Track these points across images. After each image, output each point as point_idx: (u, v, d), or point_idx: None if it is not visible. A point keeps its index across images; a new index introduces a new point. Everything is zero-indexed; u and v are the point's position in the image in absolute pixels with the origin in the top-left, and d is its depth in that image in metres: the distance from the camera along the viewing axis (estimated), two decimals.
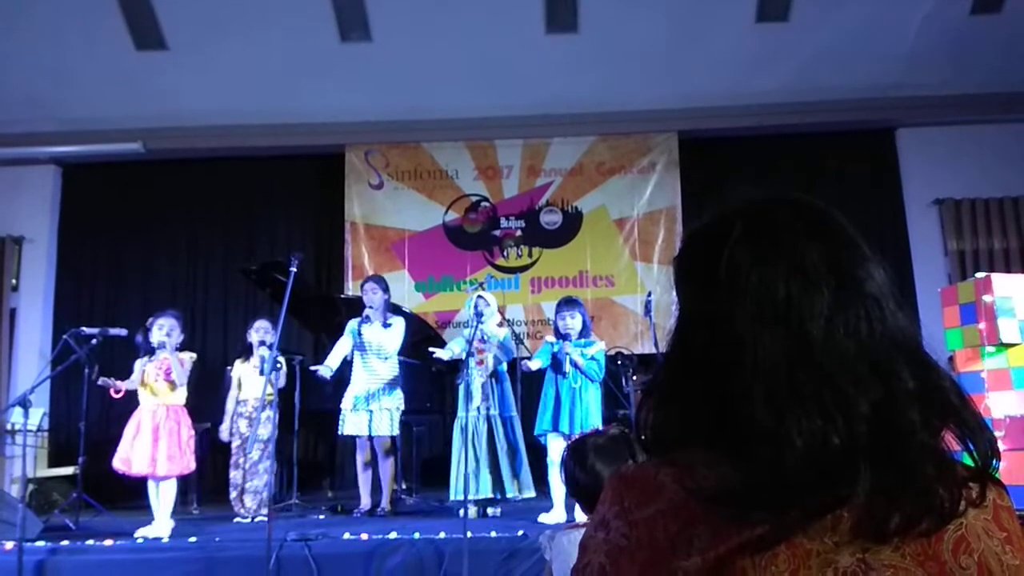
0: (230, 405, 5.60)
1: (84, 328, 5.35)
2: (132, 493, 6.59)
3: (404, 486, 6.22)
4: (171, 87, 7.31)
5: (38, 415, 6.92)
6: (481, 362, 5.24)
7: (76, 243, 8.01)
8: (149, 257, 7.98)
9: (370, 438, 5.41)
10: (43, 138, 7.70)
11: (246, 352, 5.71)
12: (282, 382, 5.50)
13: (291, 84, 7.31)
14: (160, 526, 4.74)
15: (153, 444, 4.79)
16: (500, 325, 5.40)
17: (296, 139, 7.76)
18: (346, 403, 5.45)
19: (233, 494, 5.48)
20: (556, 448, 4.88)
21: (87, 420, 5.57)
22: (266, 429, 5.23)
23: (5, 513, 4.57)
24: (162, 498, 4.82)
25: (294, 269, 4.56)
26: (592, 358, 4.94)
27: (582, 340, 4.98)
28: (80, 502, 5.29)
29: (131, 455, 4.79)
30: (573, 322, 4.98)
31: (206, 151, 7.86)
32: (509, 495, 5.10)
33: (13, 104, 7.37)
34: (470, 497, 5.03)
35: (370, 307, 5.55)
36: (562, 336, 5.00)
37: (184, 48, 7.09)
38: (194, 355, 5.18)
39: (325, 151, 7.94)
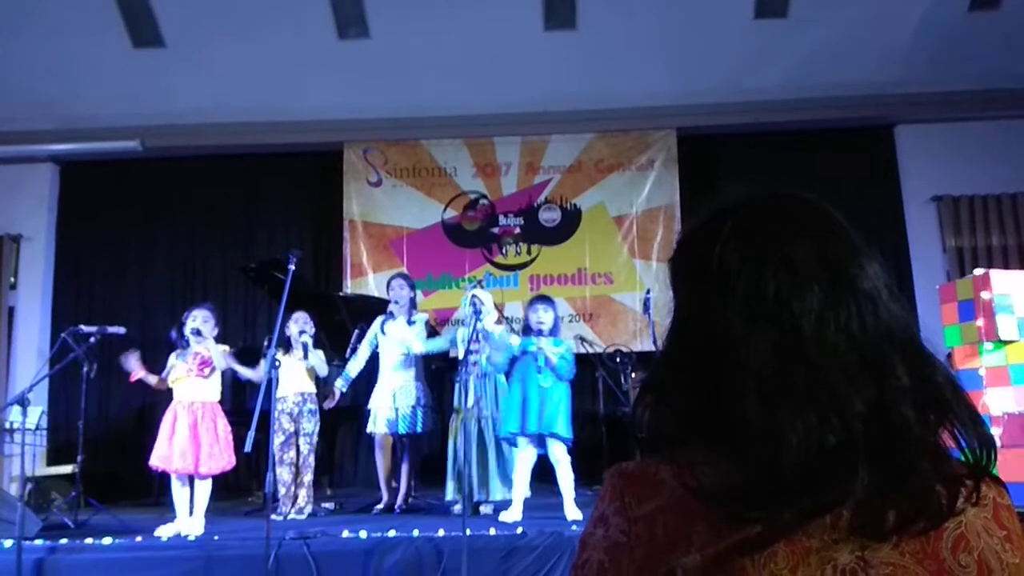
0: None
1: (82, 326, 5.34)
2: (132, 491, 6.62)
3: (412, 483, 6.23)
4: (169, 85, 7.30)
5: (37, 413, 6.90)
6: (475, 363, 5.22)
7: (74, 241, 8.00)
8: (147, 255, 7.97)
9: (397, 435, 5.42)
10: (41, 136, 7.69)
11: (285, 345, 5.51)
12: (324, 370, 5.46)
13: (289, 81, 7.30)
14: (194, 523, 4.69)
15: (193, 442, 4.70)
16: (497, 322, 5.39)
17: (294, 136, 7.74)
18: (374, 401, 5.45)
19: (282, 491, 5.30)
20: (528, 451, 4.86)
21: (86, 418, 5.57)
22: (310, 423, 5.31)
23: (4, 511, 4.57)
24: (198, 496, 4.76)
25: (292, 267, 4.55)
26: (562, 356, 4.88)
27: (551, 339, 4.92)
28: (79, 500, 5.29)
29: (169, 453, 4.70)
30: (546, 316, 4.91)
31: (204, 149, 7.84)
32: (496, 497, 5.08)
33: (11, 102, 7.35)
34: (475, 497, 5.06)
35: (395, 303, 5.56)
36: (532, 332, 4.93)
37: (182, 45, 7.08)
38: (228, 347, 5.07)
39: (323, 148, 7.93)
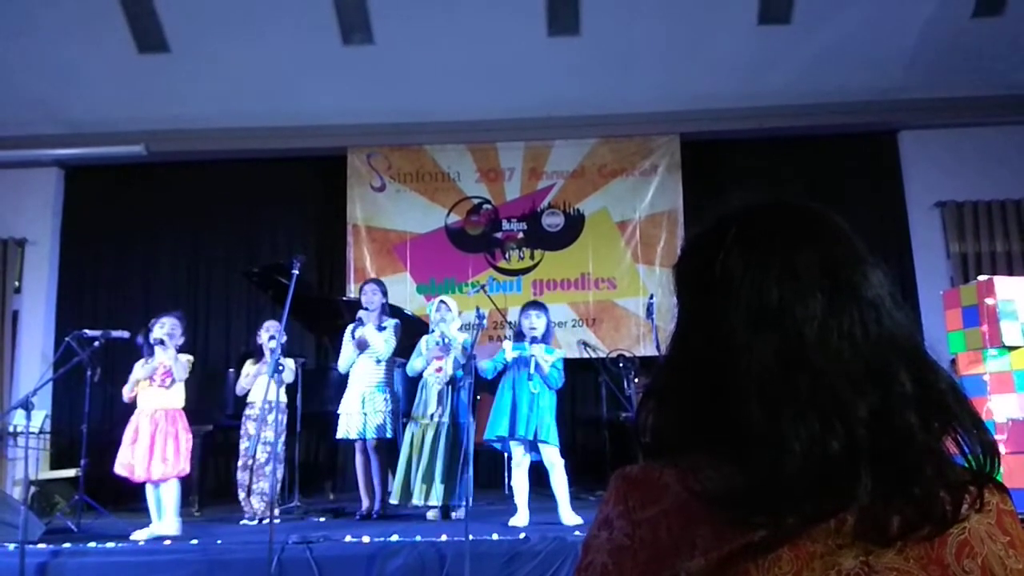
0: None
1: (86, 330, 5.37)
2: (134, 496, 6.61)
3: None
4: (173, 90, 7.32)
5: (40, 417, 6.92)
6: (440, 368, 5.23)
7: (78, 245, 8.02)
8: (151, 259, 8.00)
9: (363, 440, 5.42)
10: (46, 140, 7.72)
11: (256, 354, 5.67)
12: (290, 378, 5.47)
13: (293, 86, 7.32)
14: (167, 525, 4.75)
15: (150, 449, 4.77)
16: (460, 330, 5.39)
17: (298, 141, 7.76)
18: (342, 406, 5.47)
19: (241, 495, 5.48)
20: (520, 454, 4.85)
21: (89, 422, 5.57)
22: (272, 431, 5.29)
23: (7, 515, 4.57)
24: (166, 498, 4.81)
25: (296, 271, 4.56)
26: (553, 365, 4.88)
27: (543, 346, 4.92)
28: (82, 504, 5.29)
29: (132, 460, 4.78)
30: (538, 322, 4.91)
31: (208, 153, 7.87)
32: (432, 502, 5.09)
33: (16, 106, 7.38)
34: (413, 503, 5.09)
35: (366, 309, 5.57)
36: (524, 337, 4.92)
37: (186, 51, 7.11)
38: (191, 357, 5.13)
39: (327, 153, 7.95)
